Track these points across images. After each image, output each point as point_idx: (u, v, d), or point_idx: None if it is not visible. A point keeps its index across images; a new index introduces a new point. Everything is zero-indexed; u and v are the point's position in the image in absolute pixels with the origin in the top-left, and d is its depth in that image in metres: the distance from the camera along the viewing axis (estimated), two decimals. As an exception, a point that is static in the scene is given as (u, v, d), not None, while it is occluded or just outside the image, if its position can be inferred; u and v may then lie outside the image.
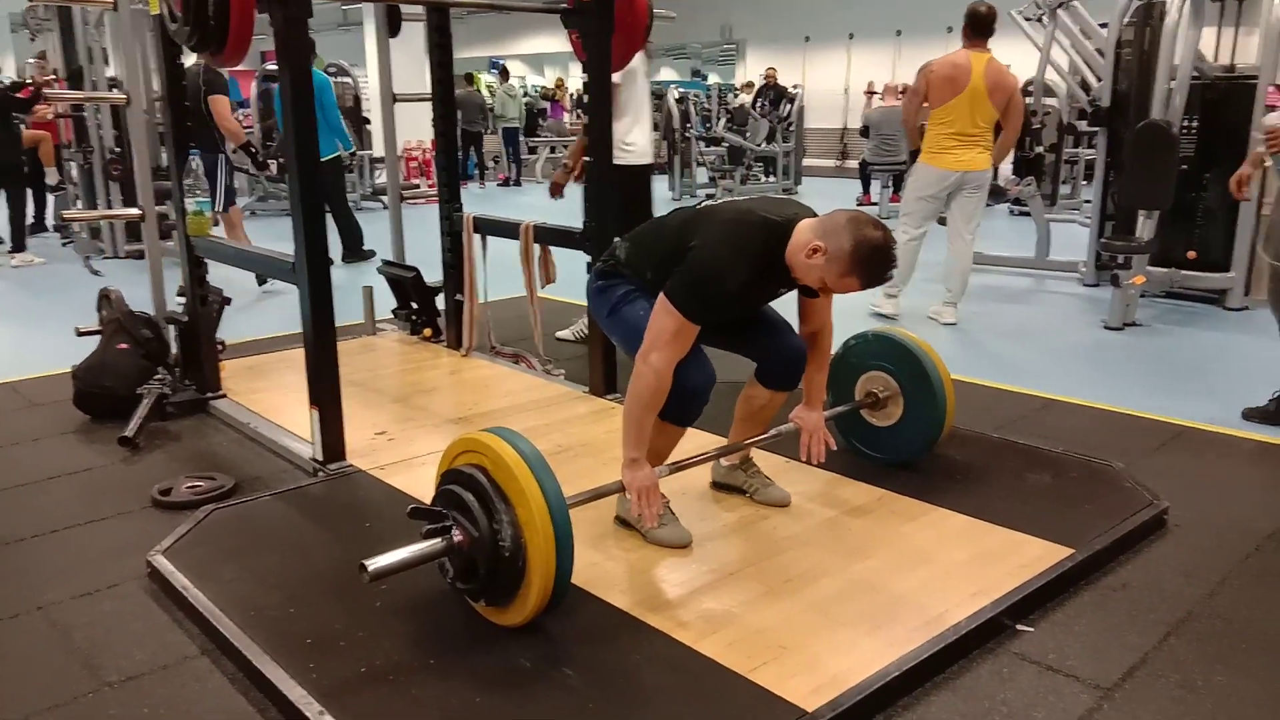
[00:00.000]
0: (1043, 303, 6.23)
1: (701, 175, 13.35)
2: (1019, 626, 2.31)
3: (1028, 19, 7.27)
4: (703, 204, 2.62)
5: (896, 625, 2.23)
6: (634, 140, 4.82)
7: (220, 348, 4.15)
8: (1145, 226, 5.58)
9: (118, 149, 7.49)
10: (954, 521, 2.80)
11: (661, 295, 2.39)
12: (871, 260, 2.33)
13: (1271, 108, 5.66)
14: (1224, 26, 6.27)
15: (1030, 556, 2.55)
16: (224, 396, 3.98)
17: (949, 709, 2.01)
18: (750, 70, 19.50)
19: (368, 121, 11.77)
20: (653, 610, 2.29)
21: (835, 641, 2.17)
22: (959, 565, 2.54)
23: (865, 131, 11.17)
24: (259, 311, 4.92)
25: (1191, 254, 5.86)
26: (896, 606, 2.32)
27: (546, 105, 18.72)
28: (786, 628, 2.22)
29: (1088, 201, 8.24)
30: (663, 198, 12.73)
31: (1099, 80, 6.56)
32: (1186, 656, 2.20)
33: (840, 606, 2.33)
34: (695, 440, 2.89)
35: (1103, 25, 6.64)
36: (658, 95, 17.55)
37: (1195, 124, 5.90)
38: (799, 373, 2.75)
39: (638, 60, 4.48)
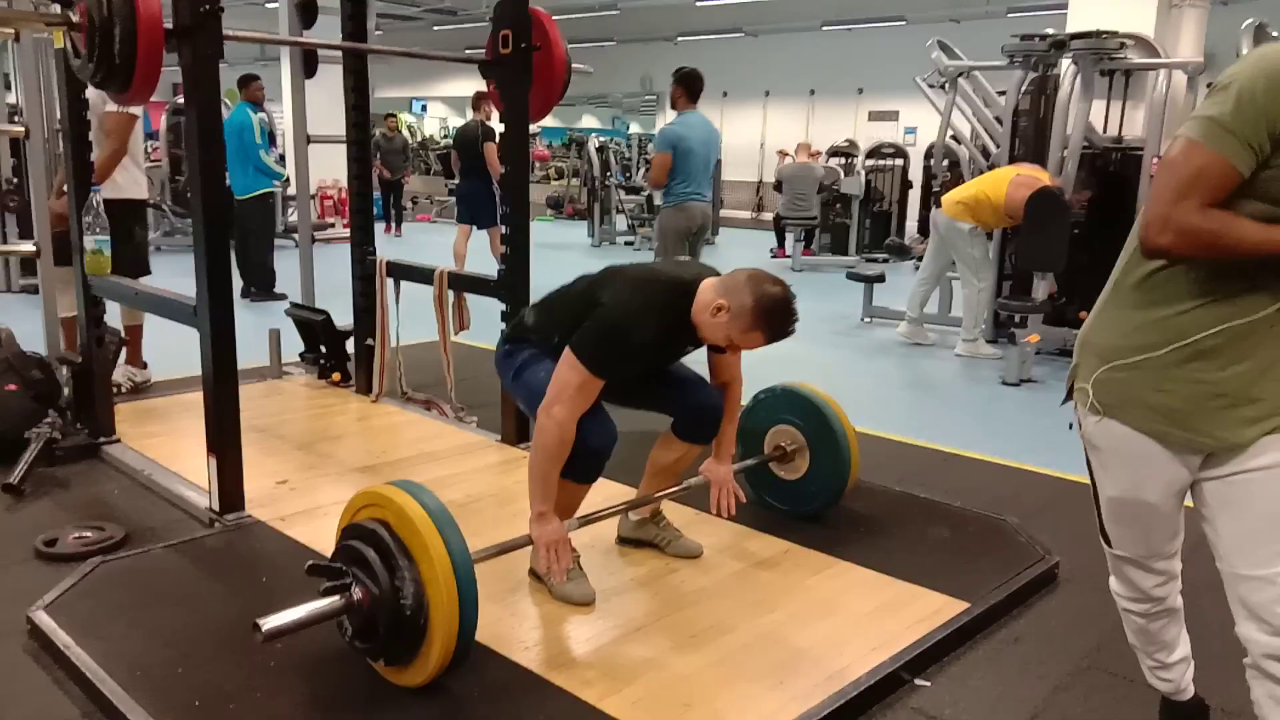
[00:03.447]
0: (945, 358, 6.44)
1: (621, 223, 13.49)
2: (917, 681, 2.35)
3: (931, 85, 7.60)
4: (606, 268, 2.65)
5: (800, 679, 2.25)
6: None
7: (117, 390, 4.00)
8: (1040, 287, 5.84)
9: (14, 179, 7.21)
10: (857, 574, 2.85)
11: (567, 349, 2.41)
12: (773, 314, 2.40)
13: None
14: (1113, 100, 6.65)
15: (929, 610, 2.62)
16: (118, 441, 3.83)
17: (848, 765, 2.04)
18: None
19: (283, 156, 11.60)
20: (558, 668, 2.27)
21: (740, 697, 2.19)
22: (861, 618, 2.58)
23: (779, 186, 11.47)
24: (156, 351, 4.77)
25: (1082, 314, 6.14)
26: (800, 660, 2.35)
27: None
28: (692, 684, 2.23)
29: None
30: (583, 244, 12.84)
31: (998, 146, 6.88)
32: (1074, 710, 2.28)
33: (745, 661, 2.34)
34: (604, 491, 2.89)
35: (1001, 93, 6.98)
36: (579, 143, 17.81)
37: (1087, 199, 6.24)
38: (716, 426, 2.79)
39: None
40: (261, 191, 7.67)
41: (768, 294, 2.38)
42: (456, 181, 9.04)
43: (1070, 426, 1.89)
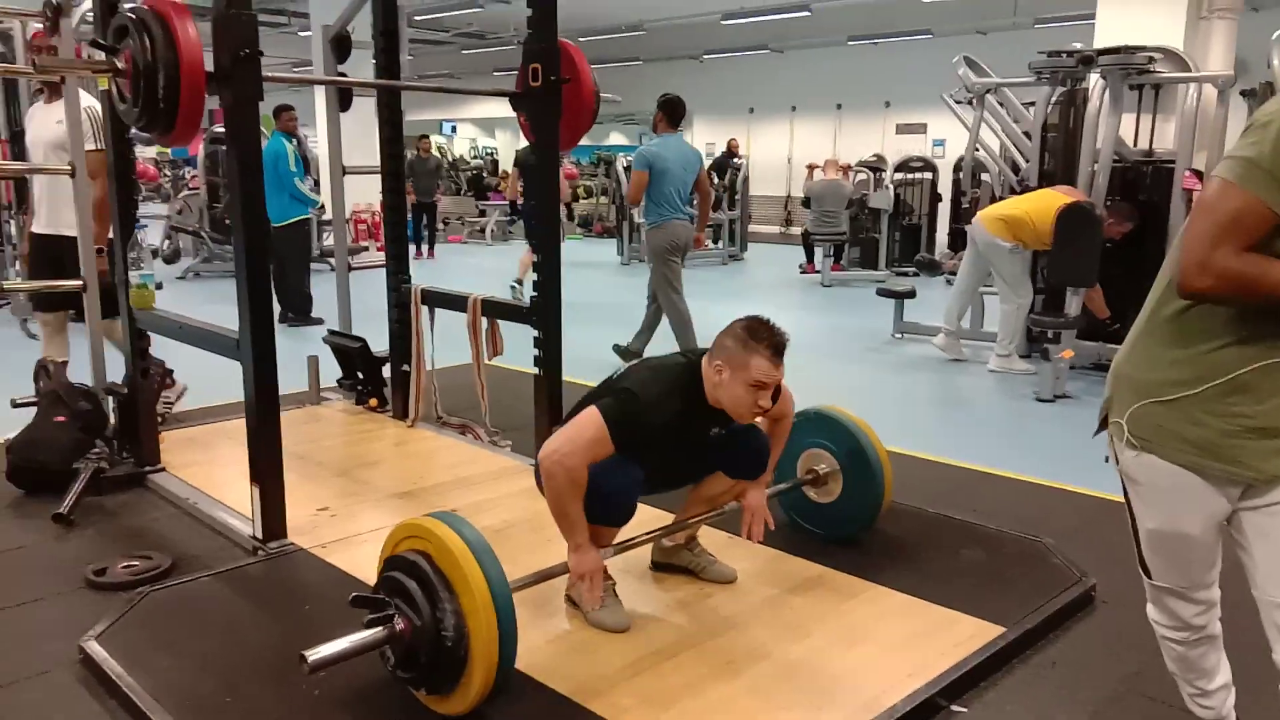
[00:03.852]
0: (978, 373, 6.41)
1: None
2: (954, 707, 2.36)
3: (958, 101, 7.59)
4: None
5: (834, 708, 2.27)
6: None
7: (160, 420, 4.09)
8: (1073, 303, 5.81)
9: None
10: (891, 599, 2.86)
11: (591, 406, 2.49)
12: (755, 332, 2.51)
13: (1188, 190, 5.98)
14: (1143, 113, 6.61)
15: (964, 635, 2.62)
16: (162, 470, 3.92)
17: (885, 793, 2.05)
18: (698, 139, 19.96)
19: (318, 182, 11.79)
20: (594, 695, 2.30)
21: (775, 725, 2.20)
22: (895, 644, 2.59)
23: (807, 203, 11.48)
24: (195, 377, 4.89)
25: (1112, 322, 6.07)
26: (834, 688, 2.36)
27: (495, 180, 18.90)
28: (728, 711, 2.25)
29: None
30: (612, 262, 12.91)
31: (1027, 161, 6.86)
32: (1113, 736, 2.27)
33: (780, 688, 2.36)
34: (639, 516, 2.91)
35: (1029, 105, 6.97)
36: (606, 161, 17.90)
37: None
38: (763, 465, 2.84)
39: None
40: (297, 219, 7.82)
41: (740, 325, 2.54)
42: (521, 202, 9.94)
43: (1106, 460, 1.90)
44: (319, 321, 7.50)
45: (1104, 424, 1.88)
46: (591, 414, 2.45)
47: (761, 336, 2.50)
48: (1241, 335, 1.64)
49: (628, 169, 13.15)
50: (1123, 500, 1.90)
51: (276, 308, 6.99)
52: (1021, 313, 6.24)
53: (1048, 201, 5.88)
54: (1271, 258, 1.56)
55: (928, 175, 12.49)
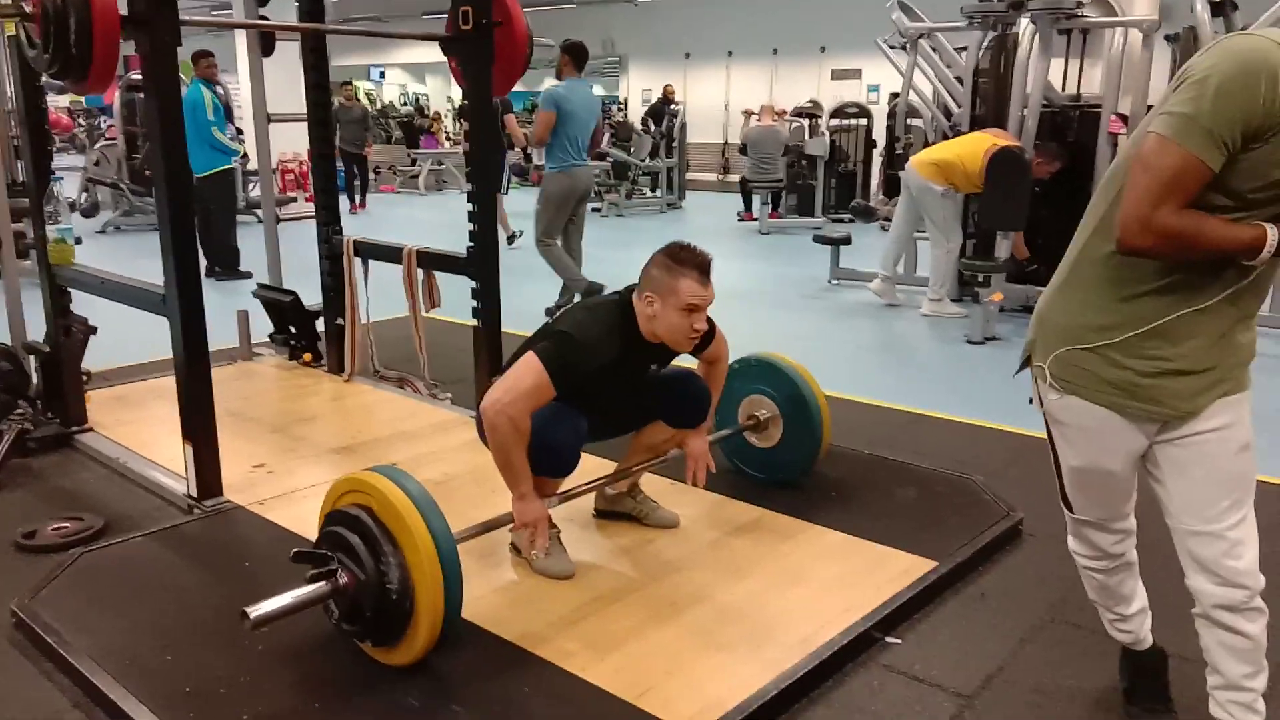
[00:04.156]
0: (912, 318, 6.53)
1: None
2: (888, 639, 2.44)
3: (892, 47, 7.62)
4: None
5: (774, 645, 2.33)
6: None
7: (85, 378, 3.98)
8: (1003, 246, 5.93)
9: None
10: (828, 539, 2.94)
11: (529, 352, 2.46)
12: (678, 255, 2.51)
13: (1114, 134, 6.12)
14: (1071, 58, 6.71)
15: (898, 570, 2.71)
16: (90, 430, 3.82)
17: (824, 724, 2.13)
18: (633, 84, 19.72)
19: (241, 131, 11.40)
20: (540, 641, 2.33)
21: (717, 664, 2.26)
22: (832, 582, 2.67)
23: (744, 150, 11.47)
24: (125, 336, 4.72)
25: (1030, 263, 6.24)
26: (774, 626, 2.43)
27: (425, 122, 18.43)
28: (672, 652, 2.30)
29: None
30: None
31: (959, 107, 6.93)
32: (1039, 662, 2.38)
33: (721, 628, 2.42)
34: (582, 465, 2.93)
35: (962, 50, 7.03)
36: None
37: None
38: (704, 411, 2.86)
39: None
40: (220, 169, 7.58)
41: (662, 253, 2.55)
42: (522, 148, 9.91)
43: (1030, 401, 1.96)
44: (247, 275, 7.32)
45: (1025, 364, 1.94)
46: (530, 361, 2.44)
47: (685, 259, 2.50)
48: (1161, 285, 1.69)
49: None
50: (1046, 437, 1.97)
51: (203, 262, 6.80)
52: (951, 257, 6.36)
53: (977, 144, 5.97)
54: (1205, 214, 1.59)
55: (863, 121, 12.55)
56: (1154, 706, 2.12)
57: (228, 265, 7.61)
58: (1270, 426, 4.38)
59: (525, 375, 2.42)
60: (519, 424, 2.40)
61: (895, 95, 9.41)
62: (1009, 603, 2.66)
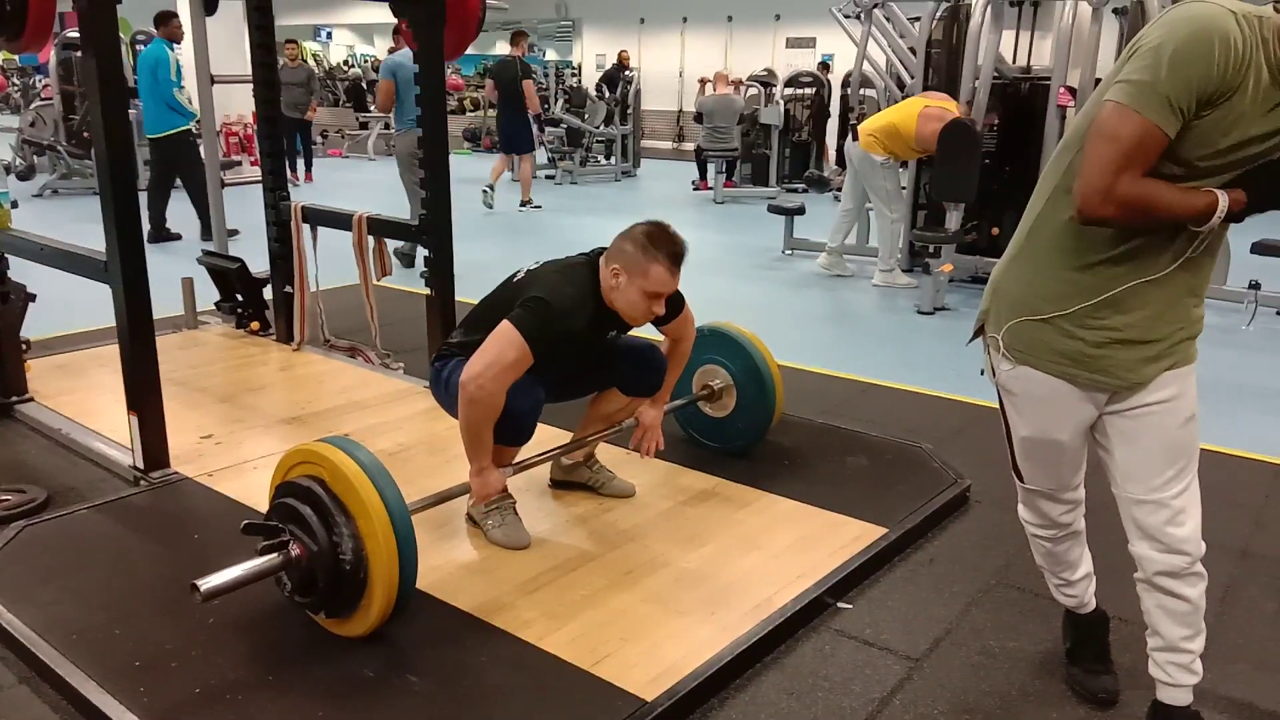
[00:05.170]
0: (863, 289, 6.60)
1: (541, 155, 13.26)
2: (839, 604, 2.49)
3: (846, 16, 7.62)
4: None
5: (729, 611, 2.36)
6: None
7: (25, 347, 3.86)
8: (953, 217, 5.99)
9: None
10: (781, 506, 2.97)
11: (505, 322, 2.41)
12: (655, 238, 2.49)
13: (1062, 106, 6.20)
14: (1021, 31, 6.77)
15: (849, 537, 2.75)
16: (30, 400, 3.71)
17: (776, 688, 2.16)
18: (587, 49, 19.50)
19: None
20: (497, 610, 2.34)
21: (673, 630, 2.29)
22: (786, 548, 2.70)
23: (699, 118, 11.42)
24: (66, 303, 4.58)
25: (995, 230, 6.34)
26: (729, 592, 2.46)
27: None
28: (628, 619, 2.32)
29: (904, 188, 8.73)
30: (502, 178, 12.63)
31: (912, 77, 6.97)
32: (985, 625, 2.44)
33: (678, 595, 2.44)
34: (538, 435, 2.93)
35: (915, 20, 7.05)
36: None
37: (996, 121, 6.39)
38: (659, 382, 2.86)
39: None
40: (178, 130, 7.36)
41: (640, 230, 2.50)
42: (495, 114, 10.40)
43: (981, 373, 1.99)
44: (176, 237, 7.20)
45: (978, 334, 1.97)
46: (509, 333, 2.39)
47: (661, 245, 2.48)
48: (1115, 255, 1.72)
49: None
50: (997, 408, 2.00)
51: (146, 226, 6.63)
52: (897, 228, 6.42)
53: (912, 106, 6.03)
54: (1160, 180, 1.61)
55: (816, 91, 12.53)
56: (1095, 667, 2.19)
57: (203, 227, 7.39)
58: (1210, 396, 4.52)
59: (507, 349, 2.38)
60: (498, 400, 2.39)
61: (848, 73, 9.43)
62: (956, 568, 2.72)
